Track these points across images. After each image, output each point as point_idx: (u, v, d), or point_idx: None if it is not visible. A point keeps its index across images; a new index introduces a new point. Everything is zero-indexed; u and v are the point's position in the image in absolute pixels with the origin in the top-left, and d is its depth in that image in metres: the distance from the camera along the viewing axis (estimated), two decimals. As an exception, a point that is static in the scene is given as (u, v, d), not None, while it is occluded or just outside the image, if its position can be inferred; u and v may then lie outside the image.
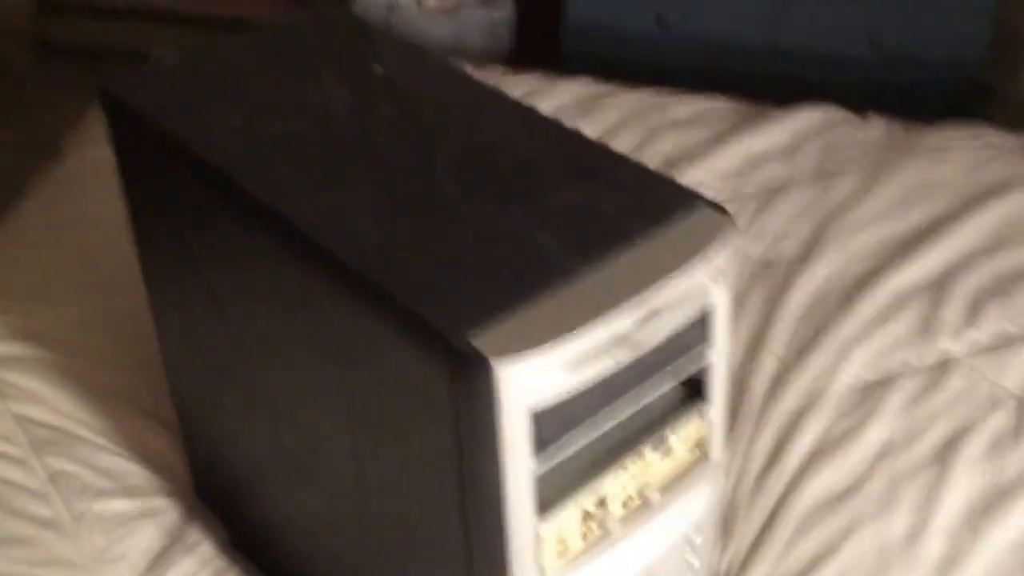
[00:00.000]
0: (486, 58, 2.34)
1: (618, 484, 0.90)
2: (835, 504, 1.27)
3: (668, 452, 0.93)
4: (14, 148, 2.49)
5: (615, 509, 0.91)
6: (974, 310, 1.47)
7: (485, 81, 1.08)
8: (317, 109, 1.02)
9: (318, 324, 0.90)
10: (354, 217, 0.89)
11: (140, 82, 1.07)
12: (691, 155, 1.76)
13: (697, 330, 0.88)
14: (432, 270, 0.84)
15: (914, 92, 2.25)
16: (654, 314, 0.82)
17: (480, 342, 0.76)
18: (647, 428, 0.91)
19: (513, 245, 0.86)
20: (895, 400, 1.37)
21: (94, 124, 1.74)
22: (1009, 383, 1.38)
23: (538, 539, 0.85)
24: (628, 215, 0.88)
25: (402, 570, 0.98)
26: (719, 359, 0.92)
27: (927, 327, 1.46)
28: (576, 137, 1.01)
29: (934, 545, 1.22)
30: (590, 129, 1.80)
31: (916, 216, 1.63)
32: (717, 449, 0.97)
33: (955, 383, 1.38)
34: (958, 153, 1.75)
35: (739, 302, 1.50)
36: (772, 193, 1.70)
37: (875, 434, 1.33)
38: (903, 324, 1.46)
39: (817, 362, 1.42)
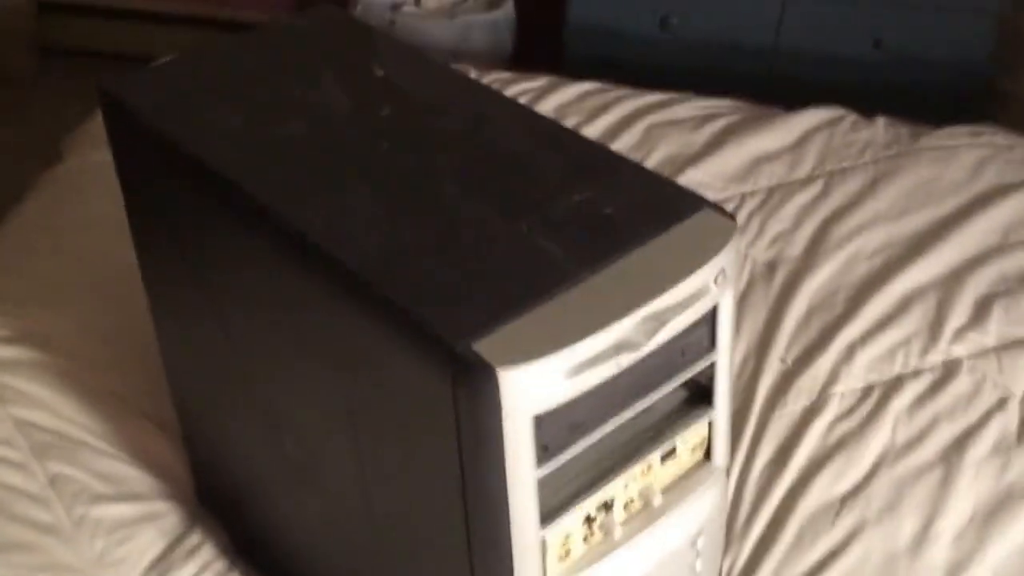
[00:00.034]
0: (488, 60, 2.34)
1: (621, 488, 0.90)
2: (840, 508, 1.26)
3: (671, 456, 0.93)
4: (14, 150, 2.49)
5: (618, 513, 0.90)
6: (980, 312, 1.47)
7: (489, 84, 1.08)
8: (317, 111, 1.02)
9: (319, 329, 0.90)
10: (355, 221, 0.89)
11: (139, 84, 1.07)
12: (694, 156, 1.76)
13: (701, 334, 0.88)
14: (434, 274, 0.83)
15: (918, 93, 2.24)
16: (658, 319, 0.82)
17: (483, 348, 0.76)
18: (650, 432, 0.91)
19: (515, 249, 0.85)
20: (900, 403, 1.36)
21: (94, 126, 1.75)
22: (1015, 385, 1.38)
23: (541, 544, 0.85)
24: (631, 219, 0.87)
25: (404, 574, 0.97)
26: (723, 362, 0.91)
27: (932, 329, 1.45)
28: (578, 140, 1.00)
29: (941, 549, 1.22)
30: (593, 130, 1.80)
31: (921, 217, 1.62)
32: (721, 453, 0.96)
33: (960, 385, 1.38)
34: (963, 154, 1.74)
35: (743, 304, 1.50)
36: (775, 194, 1.69)
37: (880, 437, 1.33)
38: (908, 326, 1.46)
39: (821, 365, 1.41)
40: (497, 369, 0.75)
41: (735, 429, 1.33)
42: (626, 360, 0.81)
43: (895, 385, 1.39)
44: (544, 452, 0.81)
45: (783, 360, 1.43)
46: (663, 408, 0.91)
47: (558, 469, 0.83)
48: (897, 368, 1.41)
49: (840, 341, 1.44)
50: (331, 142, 0.98)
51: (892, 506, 1.26)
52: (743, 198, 1.69)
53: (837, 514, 1.26)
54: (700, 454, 0.95)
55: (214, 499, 1.27)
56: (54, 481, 1.25)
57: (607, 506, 0.89)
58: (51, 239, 1.59)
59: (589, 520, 0.88)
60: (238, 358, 1.05)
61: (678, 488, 0.94)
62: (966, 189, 1.67)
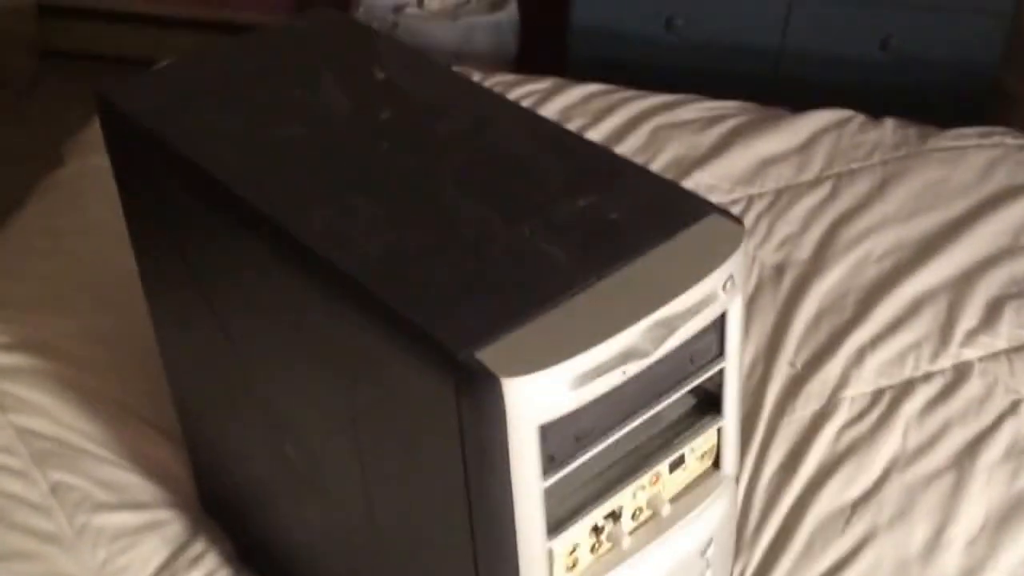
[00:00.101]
0: (491, 62, 2.33)
1: (629, 497, 0.88)
2: (850, 514, 1.25)
3: (680, 464, 0.91)
4: (15, 154, 2.48)
5: (626, 522, 0.89)
6: (991, 315, 1.46)
7: (494, 86, 1.07)
8: (317, 114, 1.01)
9: (320, 335, 0.88)
10: (355, 225, 0.88)
11: (138, 89, 1.06)
12: (701, 158, 1.75)
13: (709, 341, 0.86)
14: (436, 280, 0.82)
15: (925, 94, 2.23)
16: (665, 326, 0.80)
17: (486, 357, 0.74)
18: (658, 440, 0.90)
19: (519, 255, 0.84)
20: (911, 407, 1.35)
21: (95, 130, 1.74)
22: (1027, 388, 1.37)
23: (548, 555, 0.84)
24: (637, 224, 0.86)
25: (409, 585, 0.97)
26: (732, 369, 0.90)
27: (943, 332, 1.44)
28: (582, 143, 0.99)
29: (953, 555, 1.21)
30: (599, 132, 1.79)
31: (930, 219, 1.61)
32: (730, 460, 0.95)
33: (972, 389, 1.37)
34: (972, 155, 1.73)
35: (751, 308, 1.49)
36: (783, 196, 1.68)
37: (891, 442, 1.32)
38: (918, 329, 1.45)
39: (831, 369, 1.40)
40: (501, 379, 0.74)
41: (744, 434, 1.32)
42: (633, 368, 0.80)
43: (906, 389, 1.38)
44: (550, 462, 0.80)
45: (792, 364, 1.42)
46: (671, 416, 0.90)
47: (565, 479, 0.81)
48: (908, 372, 1.40)
49: (850, 345, 1.43)
50: (331, 145, 0.97)
51: (903, 512, 1.25)
52: (751, 200, 1.68)
53: (848, 520, 1.25)
54: (709, 462, 0.94)
55: (218, 506, 1.26)
56: (55, 489, 1.24)
57: (615, 516, 0.88)
58: (52, 244, 1.58)
59: (597, 530, 0.87)
60: (239, 364, 1.04)
61: (687, 497, 0.93)
62: (976, 191, 1.66)
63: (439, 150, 0.96)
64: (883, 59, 2.25)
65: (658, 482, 0.90)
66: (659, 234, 0.85)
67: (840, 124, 1.83)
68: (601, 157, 0.97)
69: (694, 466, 0.93)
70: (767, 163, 1.75)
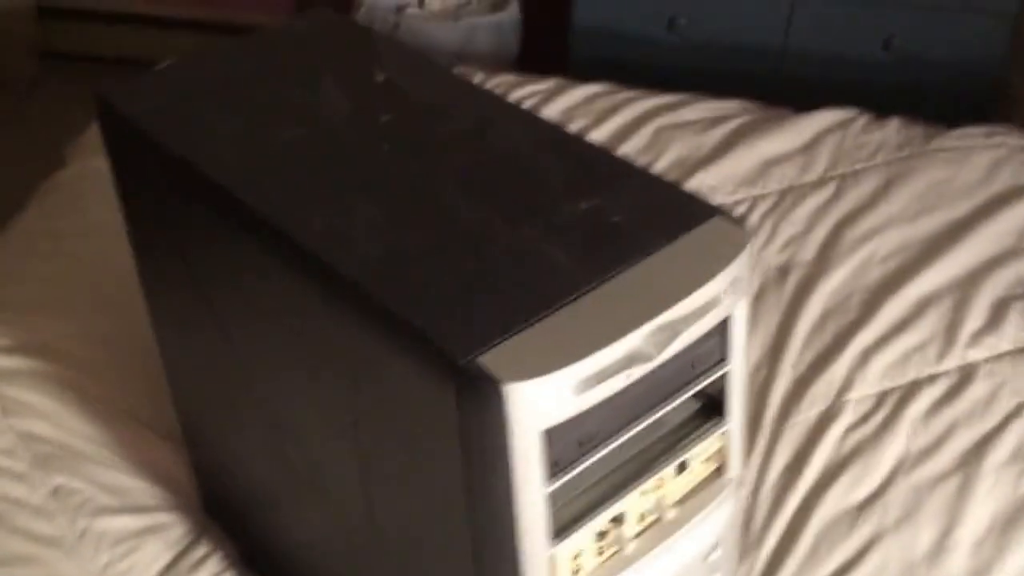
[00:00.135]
0: (493, 62, 2.33)
1: (633, 502, 0.88)
2: (856, 516, 1.25)
3: (684, 468, 0.91)
4: (15, 157, 2.48)
5: (630, 526, 0.89)
6: (996, 316, 1.45)
7: (496, 87, 1.06)
8: (317, 116, 1.00)
9: (320, 338, 0.88)
10: (357, 230, 0.87)
11: (137, 90, 1.06)
12: (704, 159, 1.74)
13: (713, 345, 0.86)
14: (437, 284, 0.81)
15: (928, 94, 2.22)
16: (669, 330, 0.80)
17: (488, 362, 0.74)
18: (663, 444, 0.89)
19: (522, 259, 0.83)
20: (916, 409, 1.35)
21: (96, 132, 1.73)
22: (1033, 390, 1.36)
23: (552, 560, 0.83)
24: (641, 227, 0.86)
25: (411, 590, 0.96)
26: (736, 372, 0.89)
27: (948, 334, 1.43)
28: (584, 146, 0.98)
29: (959, 558, 1.20)
30: (602, 132, 1.79)
31: (935, 220, 1.61)
32: (734, 463, 0.95)
33: (977, 391, 1.36)
34: (977, 155, 1.72)
35: (755, 309, 1.49)
36: (787, 197, 1.68)
37: (896, 444, 1.31)
38: (923, 331, 1.44)
39: (836, 371, 1.40)
40: (503, 384, 0.73)
41: (748, 436, 1.31)
42: (637, 373, 0.79)
43: (911, 391, 1.37)
44: (554, 467, 0.79)
45: (795, 367, 1.41)
46: (675, 420, 0.89)
47: (568, 484, 0.81)
48: (913, 373, 1.39)
49: (854, 346, 1.42)
50: (331, 147, 0.97)
51: (909, 514, 1.24)
52: (754, 201, 1.68)
53: (853, 523, 1.24)
54: (713, 466, 0.94)
55: (220, 508, 1.26)
56: (56, 493, 1.24)
57: (619, 521, 0.87)
58: (53, 246, 1.58)
59: (601, 535, 0.86)
60: (239, 366, 1.04)
61: (691, 501, 0.92)
62: (981, 191, 1.65)
63: (439, 152, 0.95)
64: (885, 59, 2.24)
65: (662, 486, 0.90)
66: (662, 237, 0.84)
67: (844, 124, 1.82)
68: (603, 159, 0.96)
69: (699, 470, 0.92)
70: (770, 164, 1.74)
